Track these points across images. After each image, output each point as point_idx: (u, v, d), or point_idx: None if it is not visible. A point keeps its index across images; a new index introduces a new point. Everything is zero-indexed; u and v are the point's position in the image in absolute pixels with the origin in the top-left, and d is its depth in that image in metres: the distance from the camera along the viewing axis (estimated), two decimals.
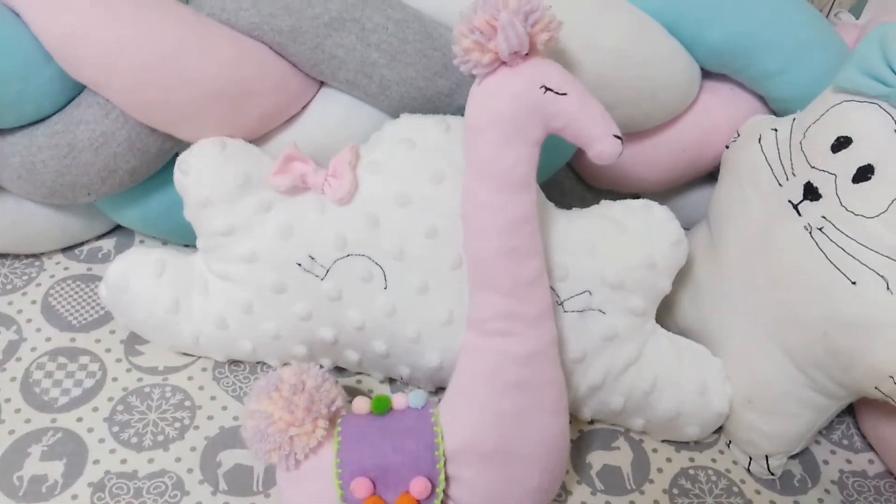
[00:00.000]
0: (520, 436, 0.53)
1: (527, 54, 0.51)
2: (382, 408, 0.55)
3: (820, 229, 0.55)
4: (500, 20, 0.49)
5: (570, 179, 0.73)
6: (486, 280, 0.53)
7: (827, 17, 0.77)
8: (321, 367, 0.57)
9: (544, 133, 0.51)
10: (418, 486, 0.52)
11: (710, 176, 0.71)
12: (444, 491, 0.53)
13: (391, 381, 0.66)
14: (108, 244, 0.74)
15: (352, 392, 0.65)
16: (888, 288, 0.52)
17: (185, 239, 0.69)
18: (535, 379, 0.53)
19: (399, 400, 0.56)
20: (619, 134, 0.50)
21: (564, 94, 0.50)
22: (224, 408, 0.63)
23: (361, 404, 0.56)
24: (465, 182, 0.53)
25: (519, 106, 0.50)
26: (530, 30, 0.50)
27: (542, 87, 0.50)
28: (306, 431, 0.52)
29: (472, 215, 0.53)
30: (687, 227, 0.68)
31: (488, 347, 0.53)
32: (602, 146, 0.50)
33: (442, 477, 0.53)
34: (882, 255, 0.53)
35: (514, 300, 0.52)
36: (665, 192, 0.73)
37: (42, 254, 0.72)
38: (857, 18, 0.77)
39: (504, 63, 0.50)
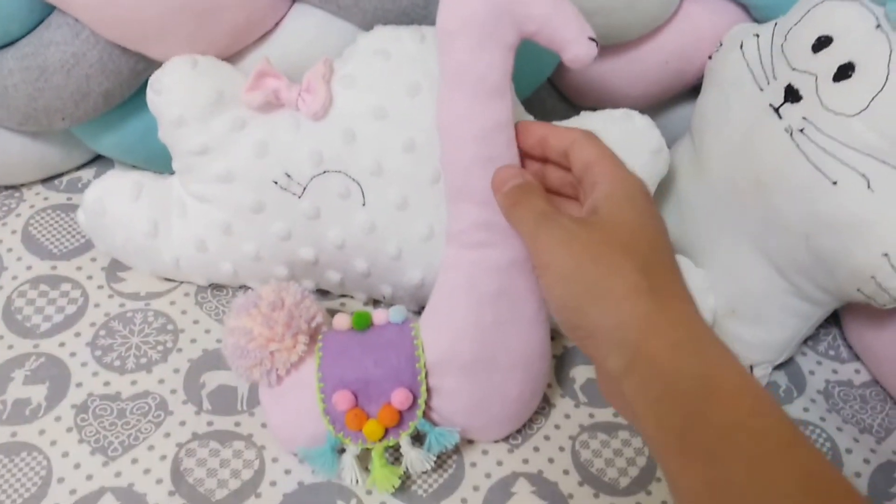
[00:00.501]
0: (500, 345, 0.53)
1: None
2: (363, 323, 0.55)
3: (801, 130, 0.54)
4: None
5: (553, 98, 0.72)
6: (462, 191, 0.52)
7: None
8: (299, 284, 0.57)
9: (518, 37, 0.49)
10: (399, 397, 0.52)
11: (695, 91, 0.70)
12: (427, 402, 0.53)
13: (375, 302, 0.66)
14: (87, 174, 0.73)
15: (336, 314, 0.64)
16: (869, 186, 0.52)
17: (162, 166, 0.68)
18: (514, 288, 0.53)
19: (379, 315, 0.56)
20: (594, 36, 0.49)
21: None
22: (207, 331, 0.63)
23: (342, 320, 0.56)
24: (439, 90, 0.52)
25: (490, 8, 0.48)
26: None
27: None
28: (286, 347, 0.52)
29: (446, 124, 0.51)
30: (672, 143, 0.67)
31: (467, 259, 0.53)
32: (576, 49, 0.48)
33: (423, 388, 0.53)
34: (863, 153, 0.52)
35: (491, 210, 0.51)
36: (650, 108, 0.72)
37: (21, 185, 0.72)
38: None
39: None
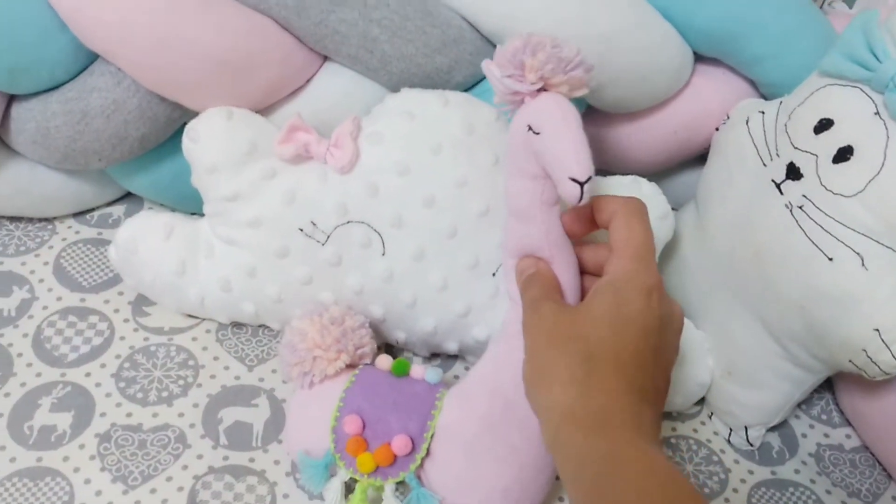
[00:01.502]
0: (499, 438, 0.55)
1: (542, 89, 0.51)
2: (401, 370, 0.59)
3: (800, 207, 0.57)
4: (487, 71, 0.52)
5: None
6: (507, 289, 0.56)
7: (821, 6, 0.79)
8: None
9: (542, 170, 0.51)
10: (399, 442, 0.55)
11: (701, 158, 0.73)
12: (423, 461, 0.55)
13: (388, 347, 0.69)
14: (118, 210, 0.76)
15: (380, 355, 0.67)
16: (863, 264, 0.54)
17: (192, 207, 0.71)
18: None
19: (417, 370, 0.59)
20: (580, 178, 0.48)
21: (538, 133, 0.50)
22: (226, 368, 0.66)
23: (384, 361, 0.60)
24: None
25: (515, 142, 0.52)
26: (516, 72, 0.51)
27: (527, 125, 0.51)
28: (328, 357, 0.58)
29: (503, 231, 0.56)
30: (677, 207, 0.70)
31: (503, 347, 0.56)
32: (560, 189, 0.49)
33: (425, 446, 0.55)
34: (858, 232, 0.55)
35: (516, 309, 0.54)
36: (657, 174, 0.75)
37: (55, 218, 0.75)
38: (851, 8, 0.79)
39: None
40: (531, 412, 0.50)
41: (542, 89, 0.51)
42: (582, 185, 0.48)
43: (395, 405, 0.56)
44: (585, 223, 0.53)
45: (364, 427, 0.56)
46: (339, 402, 0.57)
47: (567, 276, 0.53)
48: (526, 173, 0.52)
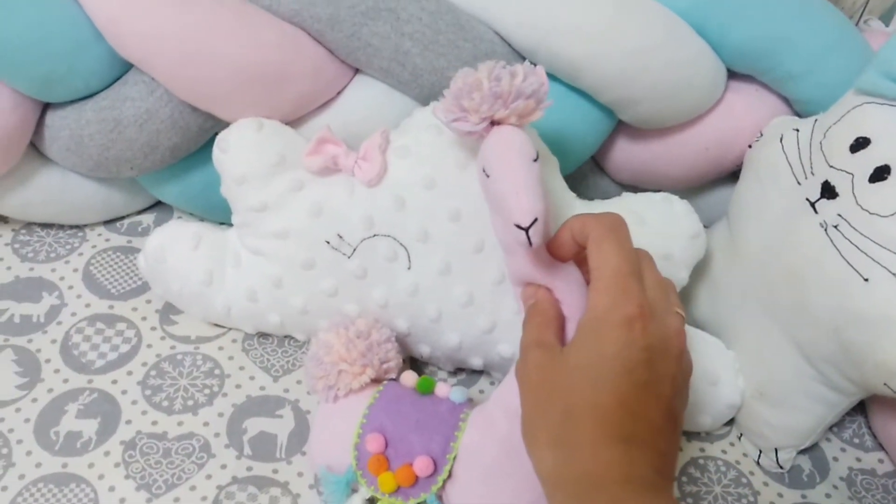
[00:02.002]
0: (519, 459, 0.52)
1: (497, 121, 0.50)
2: (426, 388, 0.58)
3: (835, 227, 0.56)
4: (436, 115, 0.52)
5: (595, 174, 0.75)
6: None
7: (857, 24, 0.78)
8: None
9: None
10: (421, 464, 0.54)
11: (733, 175, 0.72)
12: (444, 482, 0.55)
13: (412, 360, 0.69)
14: (147, 219, 0.77)
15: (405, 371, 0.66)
16: None
17: (221, 216, 0.72)
18: None
19: (442, 388, 0.58)
20: (524, 224, 0.46)
21: (489, 176, 0.50)
22: (251, 378, 0.66)
23: (409, 378, 0.59)
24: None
25: (481, 183, 0.52)
26: (461, 114, 0.50)
27: (481, 167, 0.51)
28: (354, 372, 0.57)
29: (501, 243, 0.55)
30: (708, 224, 0.70)
31: None
32: (511, 235, 0.48)
33: (447, 468, 0.55)
34: (894, 253, 0.54)
35: None
36: (688, 190, 0.74)
37: (85, 225, 0.75)
38: (887, 26, 0.78)
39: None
40: None
41: (497, 122, 0.50)
42: (527, 230, 0.46)
43: (419, 424, 0.55)
44: (571, 247, 0.50)
45: (386, 445, 0.55)
46: (362, 418, 0.56)
47: (573, 296, 0.50)
48: (496, 209, 0.51)
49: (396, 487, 0.55)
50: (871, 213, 0.55)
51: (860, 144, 0.57)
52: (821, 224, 0.57)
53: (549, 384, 0.45)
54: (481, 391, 0.67)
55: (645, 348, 0.44)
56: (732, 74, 0.69)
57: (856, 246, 0.55)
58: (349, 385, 0.57)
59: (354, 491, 0.56)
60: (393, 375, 0.60)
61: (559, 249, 0.50)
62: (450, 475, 0.55)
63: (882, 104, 0.57)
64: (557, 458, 0.43)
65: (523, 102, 0.50)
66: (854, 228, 0.55)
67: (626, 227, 0.47)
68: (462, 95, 0.50)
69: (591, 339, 0.45)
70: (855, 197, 0.56)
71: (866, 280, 0.54)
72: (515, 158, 0.48)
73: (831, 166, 0.58)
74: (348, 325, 0.59)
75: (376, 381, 0.59)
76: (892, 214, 0.54)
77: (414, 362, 0.69)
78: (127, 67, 0.65)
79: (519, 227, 0.46)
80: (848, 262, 0.55)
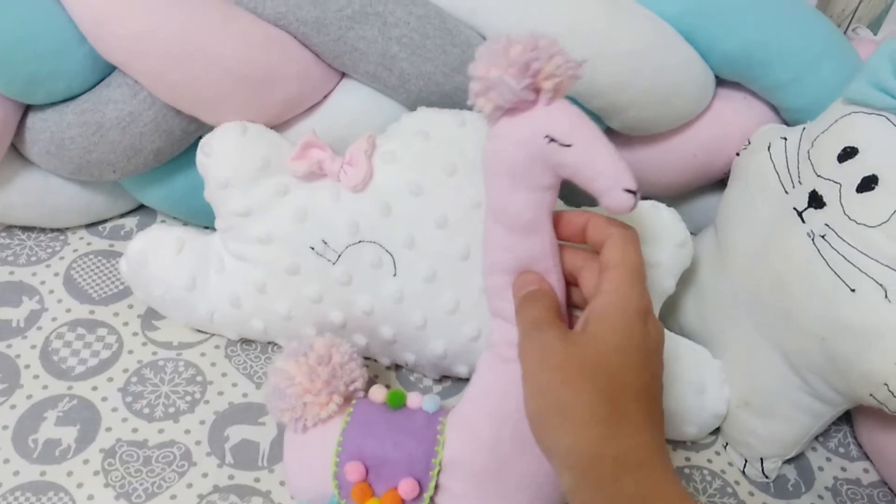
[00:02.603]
0: (512, 464, 0.53)
1: (537, 98, 0.48)
2: (397, 402, 0.56)
3: (822, 236, 0.56)
4: (490, 78, 0.47)
5: None
6: (498, 309, 0.53)
7: (845, 32, 0.78)
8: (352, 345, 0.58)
9: (556, 179, 0.49)
10: (406, 487, 0.53)
11: (721, 183, 0.72)
12: (432, 498, 0.54)
13: (397, 367, 0.68)
14: (130, 222, 0.76)
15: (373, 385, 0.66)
16: (886, 296, 0.53)
17: (205, 221, 0.71)
18: None
19: (414, 399, 0.56)
20: (633, 187, 0.47)
21: (569, 145, 0.47)
22: (234, 384, 0.65)
23: (378, 393, 0.57)
24: (485, 216, 0.53)
25: (524, 154, 0.48)
26: (529, 80, 0.47)
27: (546, 136, 0.47)
28: (320, 402, 0.54)
29: (487, 248, 0.53)
30: (695, 232, 0.69)
31: (498, 371, 0.53)
32: (609, 200, 0.47)
33: (432, 484, 0.54)
34: (882, 263, 0.53)
35: None
36: (676, 198, 0.74)
37: (67, 229, 0.74)
38: (875, 34, 0.78)
39: (512, 108, 0.48)
40: None
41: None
42: (635, 194, 0.47)
43: (396, 445, 0.54)
44: (578, 230, 0.51)
45: (367, 472, 0.53)
46: (337, 446, 0.54)
47: (558, 286, 0.51)
48: (535, 186, 0.49)
49: None
50: (858, 223, 0.55)
51: (848, 154, 0.57)
52: (808, 233, 0.57)
53: (581, 363, 0.45)
54: None
55: (656, 341, 0.47)
56: (721, 82, 0.69)
57: (843, 256, 0.55)
58: (317, 416, 0.54)
59: None
60: (361, 392, 0.57)
61: (566, 226, 0.51)
62: (437, 488, 0.54)
63: (870, 114, 0.57)
64: (600, 435, 0.43)
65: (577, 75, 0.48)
66: (841, 238, 0.55)
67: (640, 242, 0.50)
68: (533, 57, 0.46)
69: (620, 324, 0.46)
70: (842, 206, 0.56)
71: (853, 290, 0.54)
72: (593, 126, 0.48)
73: (819, 175, 0.58)
74: (307, 352, 0.55)
75: (345, 399, 0.56)
76: (880, 224, 0.54)
77: (398, 369, 0.68)
78: (110, 70, 0.64)
79: (629, 191, 0.46)
80: (835, 272, 0.55)
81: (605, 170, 0.47)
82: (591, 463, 0.43)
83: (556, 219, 0.52)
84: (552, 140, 0.47)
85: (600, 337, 0.46)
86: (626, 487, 0.42)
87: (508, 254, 0.51)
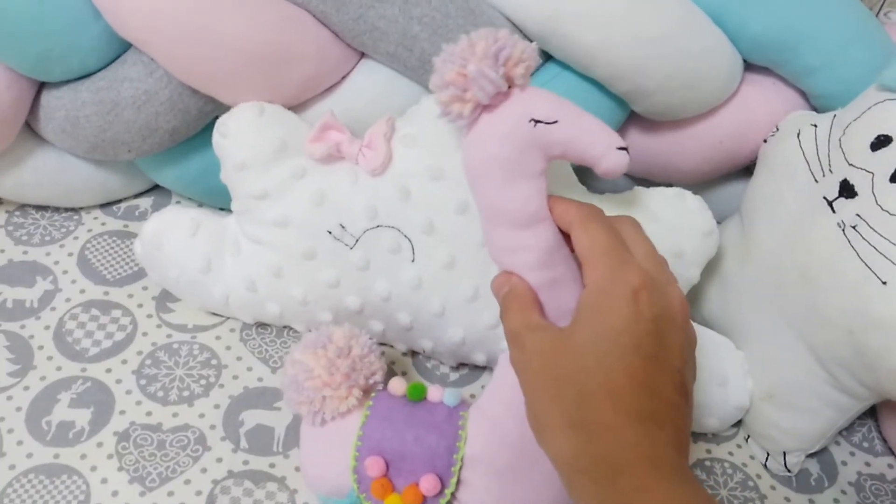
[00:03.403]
0: (537, 460, 0.51)
1: (508, 89, 0.48)
2: (417, 395, 0.55)
3: (853, 227, 0.55)
4: (470, 73, 0.47)
5: None
6: None
7: (876, 16, 0.76)
8: (371, 337, 0.57)
9: (546, 161, 0.49)
10: (428, 483, 0.52)
11: (747, 170, 0.70)
12: (454, 493, 0.53)
13: (413, 354, 0.67)
14: (145, 203, 0.75)
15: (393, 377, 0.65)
16: None
17: (220, 202, 0.70)
18: None
19: (434, 392, 0.56)
20: (624, 145, 0.48)
21: (555, 122, 0.47)
22: (249, 368, 0.64)
23: (398, 386, 0.56)
24: (483, 228, 0.51)
25: (512, 146, 0.48)
26: (503, 69, 0.47)
27: (530, 120, 0.48)
28: (339, 396, 0.53)
29: (499, 258, 0.51)
30: (720, 220, 0.68)
31: None
32: (607, 163, 0.48)
33: (454, 480, 0.53)
34: None
35: None
36: (701, 185, 0.73)
37: (81, 208, 0.74)
38: None
39: (488, 106, 0.48)
40: None
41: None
42: (627, 150, 0.48)
43: (417, 439, 0.53)
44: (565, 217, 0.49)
45: (387, 467, 0.53)
46: (356, 440, 0.53)
47: (571, 270, 0.49)
48: (530, 174, 0.48)
49: None
50: (891, 214, 0.53)
51: (881, 142, 0.55)
52: (838, 224, 0.56)
53: (555, 367, 0.43)
54: (483, 387, 0.66)
55: (652, 319, 0.43)
56: (749, 67, 0.67)
57: (874, 247, 0.53)
58: (336, 409, 0.53)
59: None
60: (380, 384, 0.56)
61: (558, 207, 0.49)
62: (459, 482, 0.53)
63: None
64: (574, 443, 0.41)
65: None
66: (873, 229, 0.54)
67: (604, 214, 0.48)
68: (505, 47, 0.47)
69: (595, 314, 0.43)
70: (875, 196, 0.54)
71: (884, 283, 0.53)
72: (569, 101, 0.49)
73: (850, 164, 0.56)
74: (326, 344, 0.54)
75: (364, 391, 0.55)
76: None
77: (415, 356, 0.67)
78: (125, 47, 0.63)
79: (622, 148, 0.48)
80: (866, 264, 0.54)
81: (596, 135, 0.48)
82: (573, 471, 0.42)
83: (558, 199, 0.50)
84: (537, 122, 0.47)
85: (575, 334, 0.43)
86: (611, 496, 0.40)
87: (526, 253, 0.49)
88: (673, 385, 0.43)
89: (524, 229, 0.49)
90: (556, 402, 0.43)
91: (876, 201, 0.54)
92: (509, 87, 0.48)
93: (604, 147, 0.48)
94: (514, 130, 0.48)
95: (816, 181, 0.58)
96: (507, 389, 0.52)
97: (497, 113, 0.48)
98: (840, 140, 0.58)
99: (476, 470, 0.53)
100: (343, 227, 0.59)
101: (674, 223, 0.59)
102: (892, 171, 0.54)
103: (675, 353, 0.44)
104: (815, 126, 0.61)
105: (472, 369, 0.67)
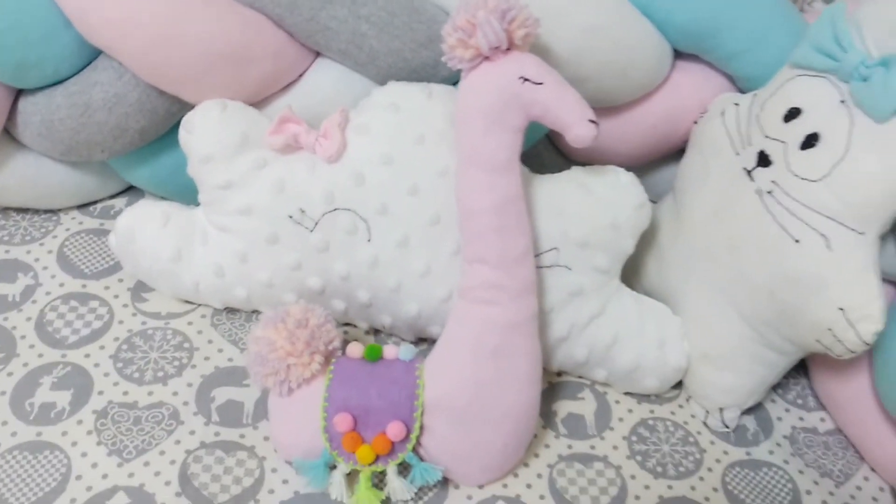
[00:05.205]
0: (493, 399, 0.57)
1: (507, 49, 0.56)
2: (374, 355, 0.60)
3: (769, 193, 0.59)
4: (478, 18, 0.55)
5: (549, 151, 0.78)
6: (477, 254, 0.58)
7: (800, 6, 0.81)
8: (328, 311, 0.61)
9: (525, 120, 0.57)
10: (394, 430, 0.57)
11: (681, 152, 0.75)
12: (418, 438, 0.58)
13: (376, 332, 0.71)
14: (120, 203, 0.80)
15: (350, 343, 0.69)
16: (828, 246, 0.57)
17: (190, 199, 0.73)
18: (512, 348, 0.58)
19: (390, 350, 0.60)
20: (594, 119, 0.56)
21: (541, 83, 0.55)
22: (220, 350, 0.68)
23: (355, 349, 0.60)
24: (456, 166, 0.58)
25: (500, 96, 0.56)
26: (507, 27, 0.55)
27: (520, 77, 0.56)
28: (303, 363, 0.57)
29: (463, 196, 0.58)
30: (657, 199, 0.73)
31: (474, 314, 0.58)
32: (577, 130, 0.56)
33: (417, 425, 0.57)
34: (823, 215, 0.57)
35: (501, 273, 0.57)
36: (639, 168, 0.77)
37: (59, 210, 0.78)
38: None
39: (486, 58, 0.56)
40: (520, 355, 0.56)
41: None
42: (597, 125, 0.56)
43: (380, 393, 0.57)
44: None
45: (355, 422, 0.57)
46: (323, 401, 0.57)
47: (521, 223, 0.58)
48: (508, 127, 0.56)
49: (375, 457, 0.57)
50: (801, 179, 0.58)
51: (792, 114, 0.60)
52: (756, 191, 0.60)
53: None
54: None
55: None
56: (679, 54, 0.72)
57: (787, 210, 0.58)
58: (301, 376, 0.57)
59: (333, 467, 0.58)
60: (339, 350, 0.60)
61: None
62: (422, 428, 0.57)
63: (813, 76, 0.60)
64: None
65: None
66: (786, 193, 0.58)
67: None
68: (509, 8, 0.55)
69: None
70: (787, 164, 0.59)
71: (797, 242, 0.58)
72: (556, 72, 0.57)
73: (766, 136, 0.61)
74: (284, 318, 0.58)
75: (325, 358, 0.59)
76: (821, 178, 0.57)
77: (377, 334, 0.71)
78: (96, 53, 0.67)
79: (593, 121, 0.56)
80: (781, 226, 0.58)
81: (572, 104, 0.56)
82: None
83: None
84: (526, 80, 0.55)
85: None
86: None
87: (488, 194, 0.56)
88: None
89: (490, 174, 0.56)
90: None
91: (788, 167, 0.59)
92: (509, 48, 0.56)
93: (577, 116, 0.56)
94: (506, 83, 0.56)
95: (738, 154, 0.63)
96: (463, 336, 0.58)
97: (493, 66, 0.56)
98: (758, 116, 0.63)
99: (437, 416, 0.57)
100: (303, 212, 0.64)
101: (608, 197, 0.63)
102: (802, 139, 0.59)
103: None
104: (738, 105, 0.66)
105: (430, 343, 0.71)
